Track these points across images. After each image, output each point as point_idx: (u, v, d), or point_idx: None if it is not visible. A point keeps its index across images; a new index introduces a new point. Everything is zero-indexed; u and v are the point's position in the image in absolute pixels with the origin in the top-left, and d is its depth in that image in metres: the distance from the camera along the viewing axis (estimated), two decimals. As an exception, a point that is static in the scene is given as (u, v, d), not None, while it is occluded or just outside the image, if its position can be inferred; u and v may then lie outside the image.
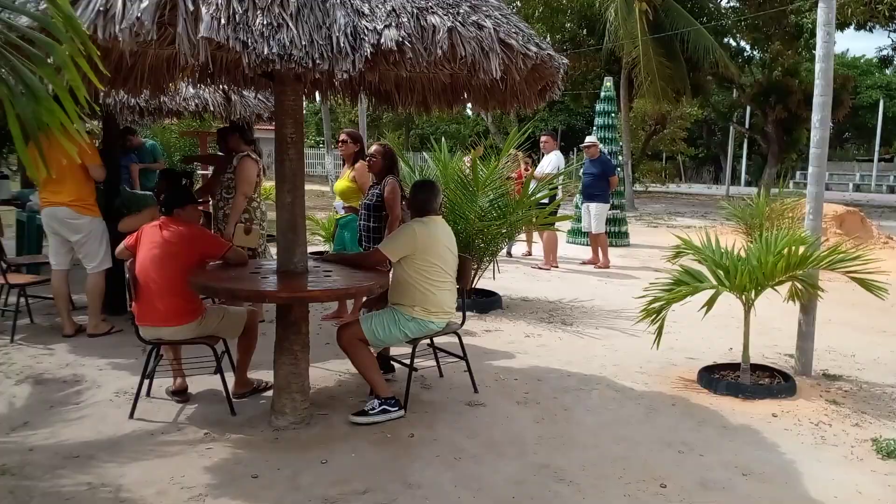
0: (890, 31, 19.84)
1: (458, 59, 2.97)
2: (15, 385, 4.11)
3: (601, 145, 12.09)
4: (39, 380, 4.20)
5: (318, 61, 2.76)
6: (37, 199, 6.00)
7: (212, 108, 6.37)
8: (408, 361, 4.02)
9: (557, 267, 9.10)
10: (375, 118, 39.09)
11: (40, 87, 1.72)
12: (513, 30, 3.19)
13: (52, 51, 1.78)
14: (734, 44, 24.81)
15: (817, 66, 4.67)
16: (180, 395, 3.98)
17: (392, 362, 4.48)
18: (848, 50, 52.96)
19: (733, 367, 4.58)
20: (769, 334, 5.68)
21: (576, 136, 38.86)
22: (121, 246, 4.01)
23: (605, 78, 12.67)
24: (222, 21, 2.69)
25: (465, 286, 4.33)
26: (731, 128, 31.15)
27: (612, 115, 12.32)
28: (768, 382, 4.43)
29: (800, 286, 4.55)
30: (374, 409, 3.75)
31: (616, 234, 12.01)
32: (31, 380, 4.20)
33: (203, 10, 2.68)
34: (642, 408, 4.11)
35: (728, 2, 24.48)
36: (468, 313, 6.19)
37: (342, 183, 5.79)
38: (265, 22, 2.76)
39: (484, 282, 6.93)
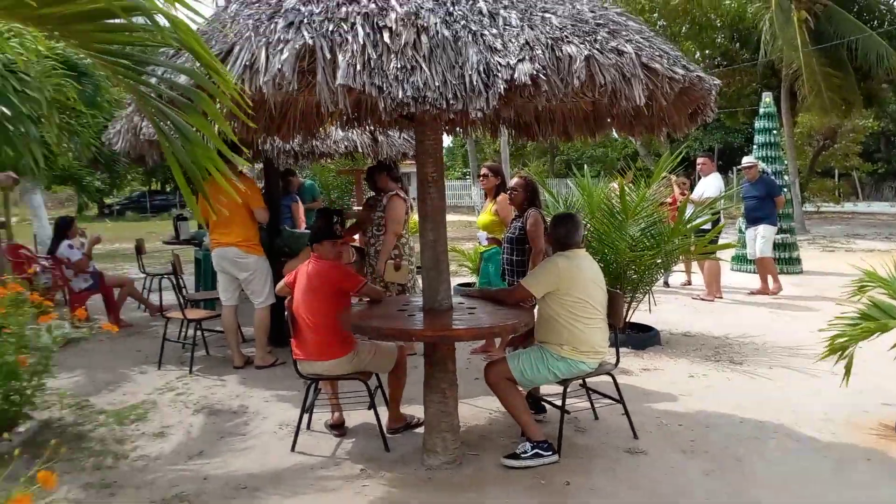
0: None
1: (598, 88, 2.84)
2: (192, 415, 4.40)
3: (763, 165, 11.31)
4: (213, 410, 4.48)
5: (451, 101, 2.75)
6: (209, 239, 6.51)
7: (360, 149, 6.63)
8: (559, 402, 3.85)
9: (721, 298, 8.50)
10: (520, 147, 39.27)
11: (198, 138, 1.81)
12: (657, 53, 3.01)
13: (203, 104, 1.87)
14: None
15: None
16: (338, 429, 4.08)
17: (543, 402, 4.32)
18: None
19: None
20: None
21: (734, 154, 36.61)
22: (281, 283, 4.22)
23: (764, 93, 11.84)
24: (358, 67, 2.75)
25: (617, 323, 4.10)
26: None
27: (774, 132, 11.46)
28: None
29: None
30: (526, 452, 3.62)
31: (786, 260, 11.06)
32: (206, 410, 4.48)
33: (340, 57, 2.76)
34: (830, 461, 3.65)
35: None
36: (623, 350, 5.94)
37: (485, 217, 5.79)
38: (399, 65, 2.79)
39: (640, 315, 6.58)
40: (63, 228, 7.01)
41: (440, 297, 3.80)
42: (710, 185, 8.60)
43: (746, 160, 9.32)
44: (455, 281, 8.88)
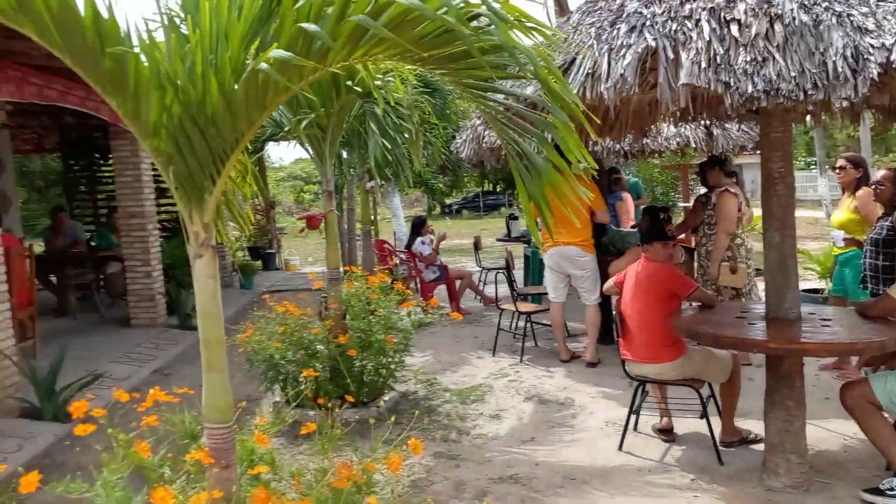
0: None
1: None
2: (524, 401, 4.71)
3: None
4: (542, 399, 4.73)
5: (810, 92, 2.50)
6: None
7: (693, 144, 6.35)
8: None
9: None
10: (881, 132, 33.76)
11: (543, 165, 1.93)
12: None
13: (545, 126, 1.98)
14: None
15: None
16: (666, 434, 4.00)
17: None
18: None
19: None
20: None
21: None
22: (610, 282, 4.27)
23: None
24: (703, 65, 2.65)
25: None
26: None
27: None
28: None
29: None
30: (892, 489, 3.13)
31: None
32: (536, 398, 4.75)
33: (683, 55, 2.69)
34: None
35: None
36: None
37: (842, 214, 5.08)
38: (749, 58, 2.62)
39: None
40: (418, 226, 8.02)
41: (787, 306, 3.49)
42: None
43: None
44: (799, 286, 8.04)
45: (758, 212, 4.81)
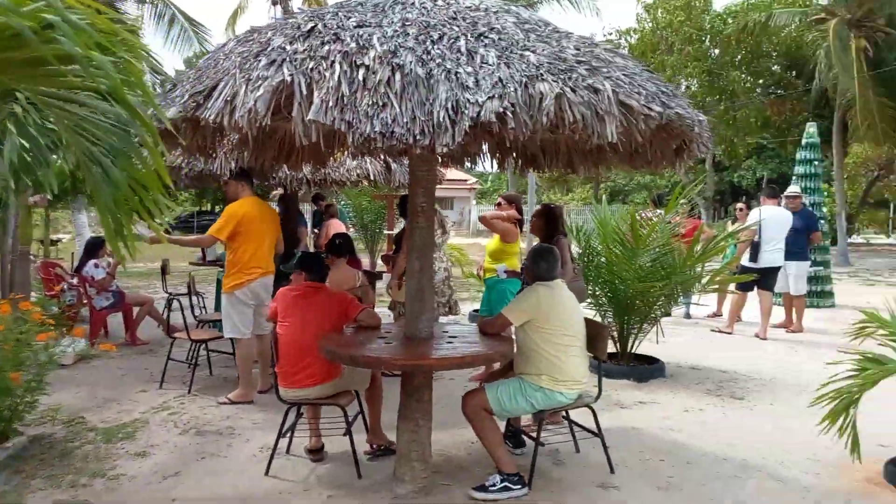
0: None
1: (570, 125, 2.87)
2: (179, 434, 4.52)
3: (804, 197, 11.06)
4: (200, 430, 4.59)
5: (418, 137, 2.82)
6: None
7: (373, 177, 6.77)
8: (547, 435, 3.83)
9: (731, 332, 8.28)
10: (563, 173, 39.14)
11: (120, 177, 1.92)
12: (635, 90, 3.03)
13: (125, 141, 1.99)
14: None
15: None
16: (315, 453, 4.13)
17: (524, 436, 4.29)
18: None
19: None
20: None
21: (787, 184, 35.72)
22: (269, 310, 4.32)
23: (808, 123, 11.58)
24: (330, 103, 2.85)
25: (601, 356, 4.07)
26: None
27: (815, 162, 11.18)
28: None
29: None
30: (494, 485, 3.61)
31: (818, 293, 10.75)
32: (194, 430, 4.59)
33: (315, 93, 2.87)
34: (807, 505, 3.54)
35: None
36: (623, 382, 5.87)
37: (492, 244, 5.81)
38: (371, 102, 2.88)
39: (649, 347, 6.50)
40: (93, 248, 7.33)
41: (421, 326, 3.85)
42: (752, 218, 8.30)
43: (792, 189, 9.12)
44: (470, 307, 8.93)
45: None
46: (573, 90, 2.95)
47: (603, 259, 6.17)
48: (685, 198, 6.51)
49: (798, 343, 7.79)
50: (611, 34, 21.56)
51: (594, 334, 3.98)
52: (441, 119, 2.85)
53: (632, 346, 6.28)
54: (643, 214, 9.33)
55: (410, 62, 3.07)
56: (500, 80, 2.96)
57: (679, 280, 5.90)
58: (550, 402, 3.71)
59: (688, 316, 9.48)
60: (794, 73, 20.68)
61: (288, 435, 4.15)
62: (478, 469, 3.95)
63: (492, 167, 5.66)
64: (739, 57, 19.46)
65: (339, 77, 3.04)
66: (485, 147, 4.62)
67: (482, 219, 5.72)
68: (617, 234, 5.99)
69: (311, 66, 3.16)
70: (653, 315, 6.17)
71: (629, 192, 46.81)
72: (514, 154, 4.77)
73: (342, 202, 14.74)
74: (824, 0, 18.15)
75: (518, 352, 3.82)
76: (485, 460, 4.04)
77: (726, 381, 6.00)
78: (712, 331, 8.49)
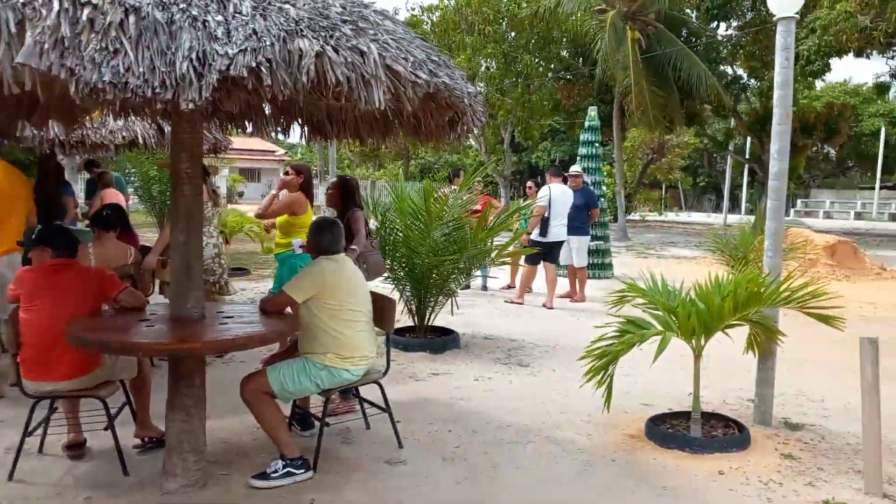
0: (887, 57, 19.63)
1: (333, 88, 2.69)
2: None
3: (585, 176, 11.89)
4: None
5: (158, 90, 2.49)
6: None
7: (144, 140, 6.14)
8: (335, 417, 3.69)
9: (522, 303, 8.74)
10: (375, 148, 39.18)
11: None
12: (402, 55, 2.91)
13: None
14: (731, 72, 24.70)
15: (776, 94, 4.38)
16: (74, 449, 3.67)
17: (312, 418, 4.14)
18: (851, 77, 52.90)
19: (687, 415, 4.23)
20: (739, 377, 5.30)
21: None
22: (10, 293, 3.72)
23: (590, 108, 12.46)
24: (46, 46, 2.42)
25: (389, 329, 4.02)
26: (729, 157, 30.84)
27: (596, 144, 12.07)
28: (721, 434, 4.07)
29: (757, 330, 4.21)
30: (276, 471, 3.42)
31: (599, 266, 11.71)
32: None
33: (28, 33, 2.43)
34: (578, 464, 3.77)
35: (726, 29, 24.49)
36: (419, 354, 5.92)
37: (282, 217, 5.52)
38: (99, 46, 2.49)
39: (446, 319, 6.63)
40: None
41: (190, 306, 3.52)
42: (542, 195, 8.72)
43: (574, 169, 9.70)
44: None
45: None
46: (335, 50, 2.75)
47: (400, 234, 6.14)
48: (479, 175, 6.64)
49: (580, 311, 8.40)
50: (414, 9, 21.78)
51: (381, 307, 3.91)
52: (185, 71, 2.53)
53: (429, 319, 6.36)
54: (443, 192, 9.54)
55: (148, 4, 2.69)
56: (255, 32, 2.66)
57: (471, 254, 6.04)
58: (336, 380, 3.59)
59: (485, 288, 9.86)
60: (580, 59, 22.23)
61: (40, 432, 3.64)
62: (262, 456, 3.74)
63: (276, 134, 5.36)
64: (533, 41, 20.54)
65: (57, 14, 2.57)
66: (267, 110, 4.35)
67: (259, 216, 5.44)
68: (412, 209, 5.99)
69: (21, 1, 2.67)
70: (448, 288, 6.28)
71: (439, 170, 48.06)
72: (301, 120, 4.53)
73: (126, 170, 13.43)
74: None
75: (302, 330, 3.64)
76: (270, 446, 3.81)
77: (515, 350, 6.28)
78: (505, 302, 8.89)
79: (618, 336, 4.03)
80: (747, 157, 30.29)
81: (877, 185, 39.73)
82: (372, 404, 4.08)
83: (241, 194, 33.89)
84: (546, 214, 8.44)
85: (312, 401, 4.09)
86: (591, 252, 11.56)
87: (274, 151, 45.31)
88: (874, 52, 18.29)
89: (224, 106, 2.78)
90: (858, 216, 39.07)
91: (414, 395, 4.86)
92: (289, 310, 3.65)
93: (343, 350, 3.55)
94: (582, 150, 12.10)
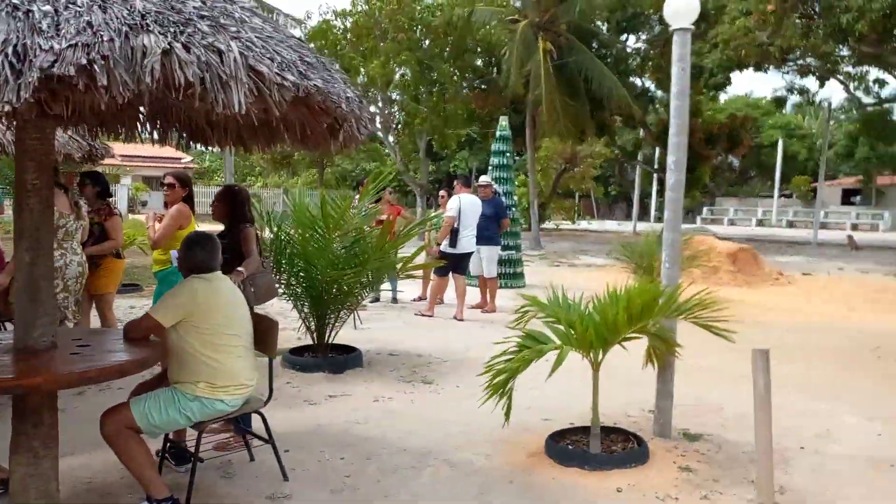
0: (783, 72, 20.72)
1: (184, 89, 2.41)
2: None
3: (496, 186, 11.87)
4: None
5: None
6: None
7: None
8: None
9: (432, 316, 8.56)
10: (287, 155, 38.28)
11: None
12: (268, 55, 2.66)
13: None
14: (640, 83, 25.47)
15: (672, 104, 4.37)
16: None
17: (188, 452, 3.79)
18: (752, 91, 55.94)
19: (588, 430, 4.12)
20: (643, 387, 5.24)
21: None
22: None
23: (501, 117, 12.46)
24: None
25: (271, 354, 3.73)
26: (638, 166, 31.80)
27: (508, 154, 12.07)
28: (621, 449, 3.99)
29: (655, 342, 4.16)
30: (150, 513, 3.09)
31: (511, 275, 11.69)
32: None
33: None
34: (475, 488, 3.59)
35: (636, 42, 25.27)
36: (317, 374, 5.63)
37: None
38: None
39: (350, 335, 6.36)
40: None
41: (38, 334, 3.12)
42: (451, 206, 8.56)
43: (484, 179, 9.60)
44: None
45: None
46: (187, 47, 2.46)
47: (298, 247, 5.83)
48: (380, 185, 6.41)
49: (490, 323, 8.29)
50: (326, 13, 21.37)
51: (263, 330, 3.62)
52: (3, 67, 2.20)
53: (330, 337, 6.07)
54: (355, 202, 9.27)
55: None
56: (90, 25, 2.35)
57: (373, 267, 5.80)
58: (209, 412, 3.28)
59: (395, 300, 9.64)
60: (495, 69, 22.40)
61: None
62: (129, 496, 3.38)
63: (153, 143, 4.95)
64: (448, 50, 20.51)
65: None
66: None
67: (155, 246, 4.92)
68: (309, 219, 5.68)
69: None
70: (349, 303, 6.01)
71: (356, 177, 47.49)
72: (178, 126, 4.18)
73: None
74: (518, 3, 19.85)
75: (172, 357, 3.31)
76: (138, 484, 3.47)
77: (420, 366, 6.08)
78: (416, 314, 8.69)
79: (517, 351, 3.89)
80: (655, 166, 31.31)
81: (775, 194, 42.01)
82: (255, 435, 3.78)
83: (144, 203, 32.41)
84: (455, 225, 8.31)
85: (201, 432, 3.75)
86: (502, 262, 11.54)
87: (180, 159, 43.66)
88: (771, 66, 19.22)
89: (52, 109, 2.44)
90: (760, 223, 41.20)
91: (307, 421, 4.57)
92: (156, 336, 3.32)
93: (217, 379, 3.25)
94: (493, 160, 12.06)
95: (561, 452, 3.92)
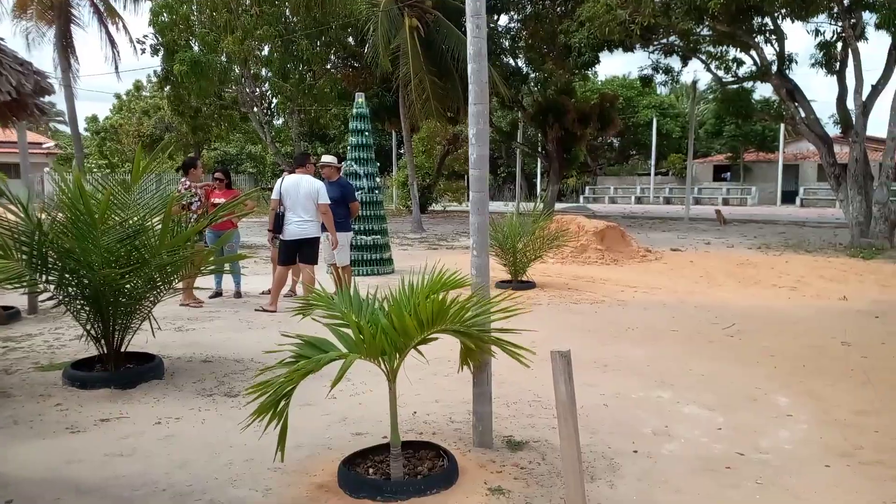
0: (649, 52, 21.01)
1: None
2: None
3: (355, 167, 11.11)
4: None
5: None
6: None
7: None
8: None
9: (275, 311, 7.75)
10: (156, 138, 35.84)
11: None
12: None
13: None
14: (512, 63, 25.27)
15: (469, 67, 3.77)
16: None
17: None
18: (630, 73, 57.71)
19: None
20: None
21: (385, 155, 38.13)
22: None
23: (357, 94, 11.67)
24: None
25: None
26: (517, 148, 31.80)
27: (366, 133, 11.32)
28: (427, 470, 3.38)
29: (465, 341, 3.56)
30: None
31: (377, 261, 11.04)
32: None
33: None
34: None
35: (509, 21, 24.98)
36: (103, 391, 4.72)
37: None
38: None
39: (171, 338, 5.46)
40: None
41: None
42: (276, 187, 7.88)
43: (325, 158, 8.77)
44: None
45: None
46: None
47: (66, 239, 4.82)
48: (156, 159, 5.35)
49: (335, 316, 7.56)
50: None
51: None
52: None
53: (124, 345, 5.15)
54: (183, 186, 8.25)
55: None
56: None
57: (161, 263, 4.90)
58: None
59: (238, 295, 8.74)
60: (364, 46, 21.52)
61: None
62: None
63: None
64: (311, 25, 19.37)
65: None
66: None
67: None
68: (71, 208, 4.68)
69: None
70: (141, 305, 5.11)
71: (241, 162, 45.29)
72: None
73: None
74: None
75: None
76: None
77: (232, 374, 5.27)
78: (256, 310, 7.84)
79: (293, 361, 3.20)
80: (540, 149, 31.47)
81: (652, 172, 43.57)
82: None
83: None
84: (281, 210, 7.54)
85: None
86: (368, 247, 10.90)
87: (40, 143, 40.03)
88: (637, 45, 19.39)
89: None
90: (639, 200, 42.63)
91: (55, 456, 3.69)
92: None
93: None
94: (352, 140, 11.30)
95: (353, 481, 3.26)
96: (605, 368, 5.45)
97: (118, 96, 42.98)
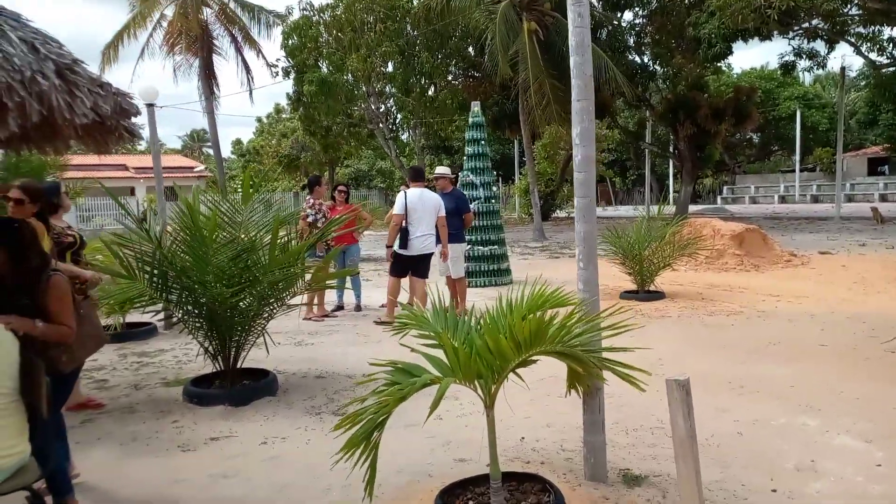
0: (788, 38, 19.41)
1: None
2: None
3: (472, 177, 10.97)
4: None
5: None
6: None
7: None
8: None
9: (392, 323, 7.68)
10: (293, 157, 37.64)
11: None
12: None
13: None
14: (638, 60, 24.26)
15: (572, 60, 3.48)
16: None
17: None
18: (768, 63, 54.03)
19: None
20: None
21: (508, 164, 38.02)
22: None
23: (473, 103, 11.53)
24: None
25: (38, 403, 2.82)
26: (646, 148, 30.45)
27: (482, 142, 11.14)
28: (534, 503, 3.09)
29: (572, 364, 3.24)
30: None
31: (495, 272, 10.81)
32: None
33: None
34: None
35: (634, 18, 24.05)
36: (218, 408, 4.80)
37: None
38: None
39: (283, 354, 5.53)
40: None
41: None
42: (398, 201, 7.81)
43: (439, 170, 8.69)
44: None
45: None
46: None
47: (188, 260, 4.98)
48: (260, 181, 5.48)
49: (450, 330, 7.40)
50: (305, 9, 20.53)
51: (24, 376, 2.77)
52: None
53: (237, 362, 5.24)
54: (309, 203, 8.47)
55: None
56: None
57: (272, 280, 4.93)
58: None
59: (359, 308, 8.80)
60: (484, 55, 21.43)
61: None
62: None
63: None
64: (431, 38, 19.55)
65: None
66: None
67: None
68: (188, 228, 4.79)
69: None
70: (256, 322, 5.17)
71: (372, 178, 46.91)
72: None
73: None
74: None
75: None
76: None
77: (343, 391, 5.22)
78: (374, 322, 7.85)
79: (384, 389, 3.03)
80: (671, 148, 30.01)
81: (796, 168, 40.35)
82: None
83: (155, 213, 32.06)
84: (404, 224, 7.45)
85: None
86: (484, 258, 10.70)
87: (192, 167, 43.48)
88: (775, 32, 17.96)
89: None
90: (783, 200, 39.61)
91: (163, 476, 3.73)
92: None
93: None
94: (468, 150, 11.15)
95: (438, 514, 3.04)
96: (741, 391, 4.89)
97: (259, 119, 45.78)
